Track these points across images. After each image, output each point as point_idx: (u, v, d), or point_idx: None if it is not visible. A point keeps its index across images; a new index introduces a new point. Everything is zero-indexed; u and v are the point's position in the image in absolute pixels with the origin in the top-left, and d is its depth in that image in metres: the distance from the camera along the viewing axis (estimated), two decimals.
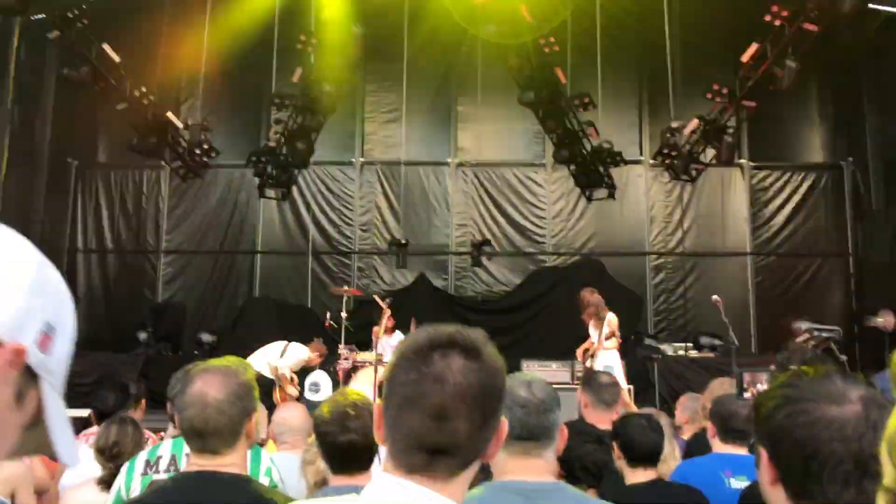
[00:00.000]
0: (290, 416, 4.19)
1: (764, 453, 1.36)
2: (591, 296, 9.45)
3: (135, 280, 14.75)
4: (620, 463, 3.10)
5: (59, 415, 0.94)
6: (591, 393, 4.10)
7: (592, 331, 9.28)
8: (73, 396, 4.88)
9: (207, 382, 2.27)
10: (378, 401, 1.29)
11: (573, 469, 2.83)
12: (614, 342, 9.05)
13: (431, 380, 1.20)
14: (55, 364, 0.93)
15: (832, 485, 1.25)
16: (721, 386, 4.49)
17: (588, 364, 8.96)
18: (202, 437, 2.25)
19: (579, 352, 9.39)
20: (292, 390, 9.29)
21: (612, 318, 9.15)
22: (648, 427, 3.13)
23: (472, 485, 2.12)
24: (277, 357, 9.41)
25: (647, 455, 3.09)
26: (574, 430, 2.90)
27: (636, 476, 3.08)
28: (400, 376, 1.23)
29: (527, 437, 2.03)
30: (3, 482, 3.89)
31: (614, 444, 3.08)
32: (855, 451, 1.24)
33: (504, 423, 1.29)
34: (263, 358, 9.27)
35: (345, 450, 2.59)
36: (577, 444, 2.82)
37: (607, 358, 8.98)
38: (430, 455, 1.20)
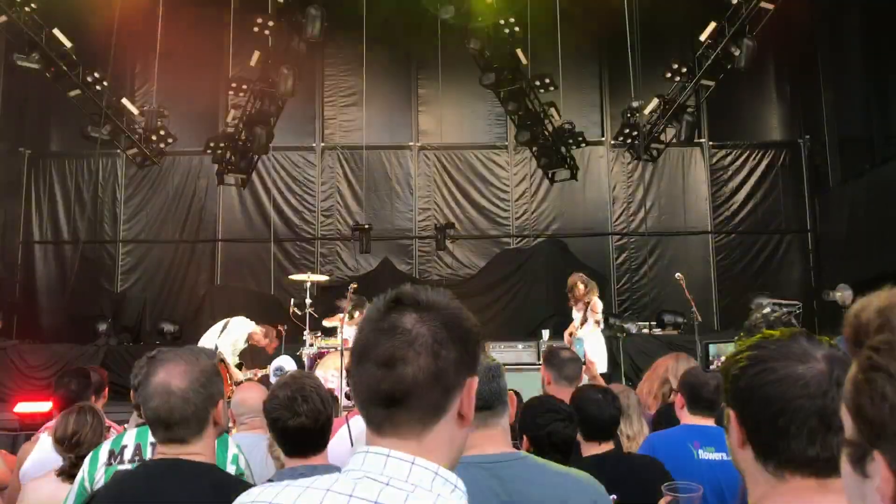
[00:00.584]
0: (249, 396, 4.16)
1: (733, 414, 1.37)
2: (581, 281, 9.42)
3: (93, 271, 14.46)
4: (580, 437, 3.10)
5: None
6: (552, 369, 4.12)
7: (576, 314, 9.23)
8: (34, 390, 4.82)
9: (170, 372, 2.22)
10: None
11: (542, 445, 2.83)
12: (595, 327, 9.04)
13: (381, 332, 1.23)
14: None
15: (798, 440, 1.27)
16: (673, 365, 4.51)
17: (574, 347, 8.96)
18: (168, 428, 2.21)
19: (566, 334, 9.36)
20: (238, 374, 8.97)
21: (597, 302, 9.16)
22: (603, 401, 3.14)
23: None
24: (216, 337, 9.03)
25: (602, 428, 3.11)
26: (544, 406, 2.89)
27: (591, 449, 3.09)
28: (358, 339, 1.27)
29: (482, 407, 2.01)
30: None
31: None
32: (819, 406, 1.27)
33: (472, 381, 1.28)
34: (207, 342, 8.88)
35: (295, 433, 2.60)
36: (548, 421, 2.82)
37: (593, 341, 8.96)
38: (386, 408, 1.21)
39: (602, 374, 8.61)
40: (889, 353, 0.77)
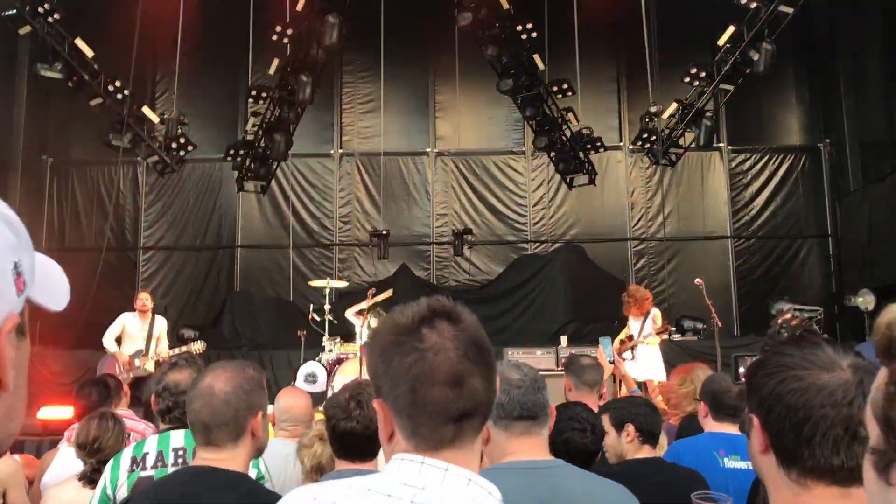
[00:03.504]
0: (295, 404, 4.13)
1: (756, 421, 1.37)
2: (638, 290, 9.37)
3: (115, 278, 14.56)
4: (629, 446, 3.11)
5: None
6: (573, 376, 4.12)
7: (633, 323, 9.13)
8: (56, 395, 4.85)
9: (217, 377, 2.31)
10: (377, 400, 1.29)
11: (558, 453, 2.83)
12: (657, 338, 8.97)
13: (433, 353, 1.22)
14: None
15: (822, 449, 1.28)
16: (687, 375, 4.48)
17: (628, 357, 8.90)
18: (207, 429, 2.27)
19: (616, 342, 9.25)
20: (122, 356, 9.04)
21: (657, 313, 9.10)
22: (650, 405, 3.22)
23: None
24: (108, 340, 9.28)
25: (656, 434, 3.17)
26: (565, 414, 2.90)
27: (643, 454, 3.13)
28: (395, 362, 1.23)
29: (527, 416, 2.10)
30: None
31: (629, 426, 3.10)
32: (845, 415, 1.27)
33: (498, 378, 1.31)
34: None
35: (344, 436, 2.62)
36: (566, 429, 2.83)
37: (650, 352, 8.88)
38: (456, 423, 1.22)
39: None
40: None
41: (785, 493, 1.34)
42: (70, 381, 10.04)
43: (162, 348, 9.25)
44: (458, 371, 1.21)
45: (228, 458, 2.26)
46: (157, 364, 8.81)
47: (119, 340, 9.36)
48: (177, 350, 9.03)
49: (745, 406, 1.44)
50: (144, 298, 9.50)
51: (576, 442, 2.81)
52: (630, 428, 3.08)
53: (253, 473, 3.26)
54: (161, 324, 9.50)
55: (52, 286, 0.90)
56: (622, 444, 3.12)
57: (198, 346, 9.01)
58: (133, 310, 9.49)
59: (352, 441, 2.62)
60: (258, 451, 2.41)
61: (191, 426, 2.34)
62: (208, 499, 2.18)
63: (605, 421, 3.17)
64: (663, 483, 2.85)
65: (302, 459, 3.19)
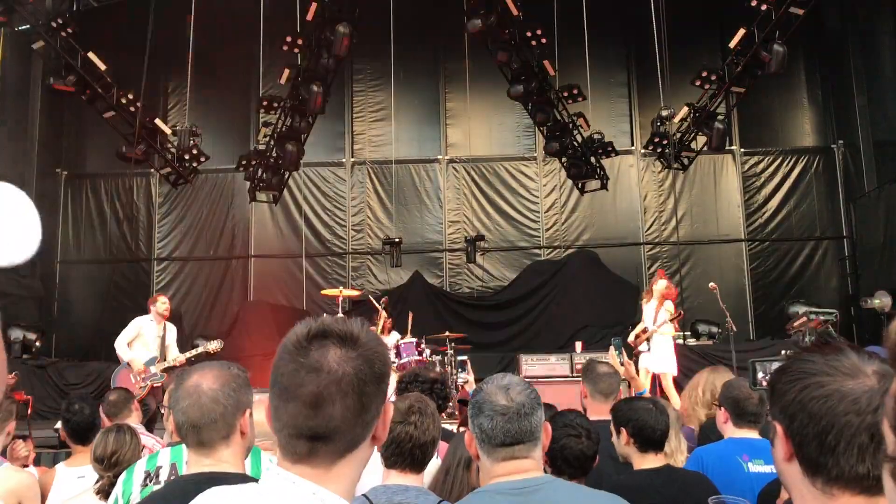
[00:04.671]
0: (260, 419, 4.10)
1: (780, 429, 1.35)
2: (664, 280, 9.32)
3: (129, 288, 14.66)
4: (629, 449, 3.07)
5: None
6: (589, 384, 4.10)
7: (648, 313, 9.14)
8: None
9: (202, 375, 2.29)
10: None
11: (555, 460, 2.83)
12: (672, 326, 8.96)
13: (306, 370, 1.26)
14: None
15: (847, 457, 1.25)
16: (711, 378, 4.43)
17: (644, 349, 8.90)
18: (197, 429, 2.24)
19: (632, 336, 9.24)
20: (137, 364, 8.64)
21: (670, 305, 9.07)
22: (656, 410, 3.10)
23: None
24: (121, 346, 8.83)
25: (658, 440, 3.07)
26: (560, 421, 2.88)
27: (646, 462, 3.05)
28: (280, 368, 1.29)
29: (510, 443, 2.05)
30: (10, 493, 3.82)
31: (623, 431, 3.05)
32: (869, 423, 1.24)
33: (388, 407, 1.35)
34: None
35: (400, 442, 2.63)
36: (561, 436, 2.81)
37: (664, 345, 8.91)
38: (310, 441, 1.26)
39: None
40: None
41: (811, 503, 1.31)
42: (86, 393, 10.09)
43: (173, 355, 8.97)
44: (320, 394, 1.24)
45: (223, 461, 2.24)
46: (171, 369, 8.60)
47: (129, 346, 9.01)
48: (193, 351, 8.87)
49: (766, 412, 1.42)
50: (166, 303, 9.09)
51: (571, 448, 2.81)
52: (624, 432, 3.05)
53: None
54: (173, 331, 9.21)
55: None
56: (621, 446, 3.10)
57: (214, 346, 8.88)
58: (146, 314, 9.12)
59: (407, 447, 2.62)
60: (247, 451, 2.40)
61: (179, 428, 2.32)
62: None
63: (612, 422, 3.14)
64: (672, 495, 2.81)
65: None
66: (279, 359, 1.30)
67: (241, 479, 2.25)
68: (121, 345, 8.79)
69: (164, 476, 3.02)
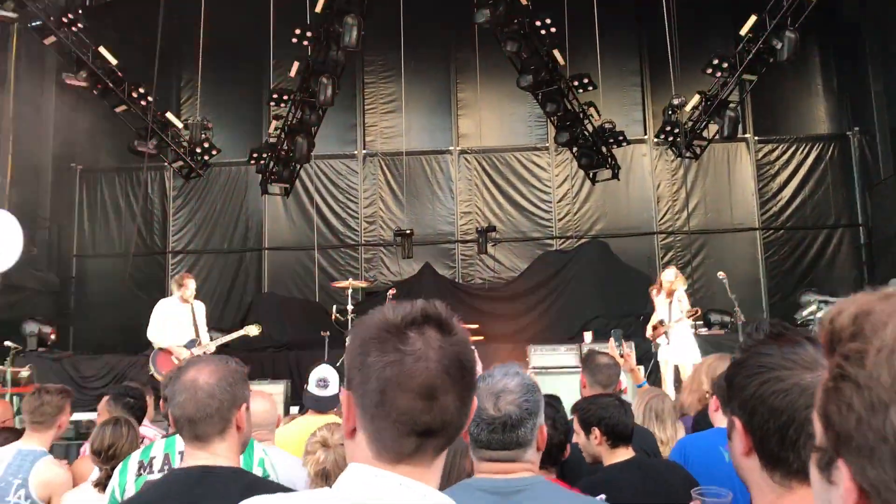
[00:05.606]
0: (258, 409, 4.13)
1: (738, 423, 1.34)
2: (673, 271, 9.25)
3: (145, 282, 14.78)
4: (600, 448, 3.05)
5: None
6: (588, 374, 4.10)
7: (662, 307, 9.03)
8: (86, 401, 4.88)
9: (199, 370, 2.31)
10: (344, 390, 1.22)
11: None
12: (688, 318, 8.88)
13: (413, 358, 1.14)
14: None
15: (808, 451, 1.24)
16: (713, 365, 4.42)
17: (663, 342, 8.84)
18: (193, 423, 2.26)
19: (649, 329, 9.16)
20: (181, 352, 8.36)
21: (683, 294, 9.00)
22: (622, 406, 3.09)
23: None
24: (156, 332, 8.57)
25: (630, 435, 3.06)
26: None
27: (617, 456, 3.04)
28: (375, 358, 1.16)
29: (496, 448, 1.99)
30: (43, 485, 3.90)
31: (595, 430, 3.03)
32: None
33: (476, 402, 1.24)
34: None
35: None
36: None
37: (684, 334, 8.84)
38: (420, 438, 1.16)
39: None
40: (859, 362, 0.74)
41: (768, 496, 1.32)
42: (101, 386, 10.21)
43: (205, 334, 8.76)
44: (434, 384, 1.14)
45: (219, 455, 2.26)
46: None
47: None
48: (234, 334, 8.83)
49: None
50: (192, 285, 8.77)
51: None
52: (597, 431, 3.03)
53: (258, 472, 3.31)
54: (202, 309, 8.91)
55: None
56: (592, 446, 3.07)
57: (254, 330, 8.81)
58: (168, 296, 8.88)
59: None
60: (243, 445, 2.42)
61: (175, 422, 2.35)
62: (213, 497, 2.19)
63: (575, 422, 3.09)
64: (646, 486, 2.81)
65: (306, 465, 3.19)
66: (371, 347, 1.17)
67: (234, 472, 2.28)
68: (154, 334, 8.53)
69: (157, 466, 3.06)
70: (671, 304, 8.92)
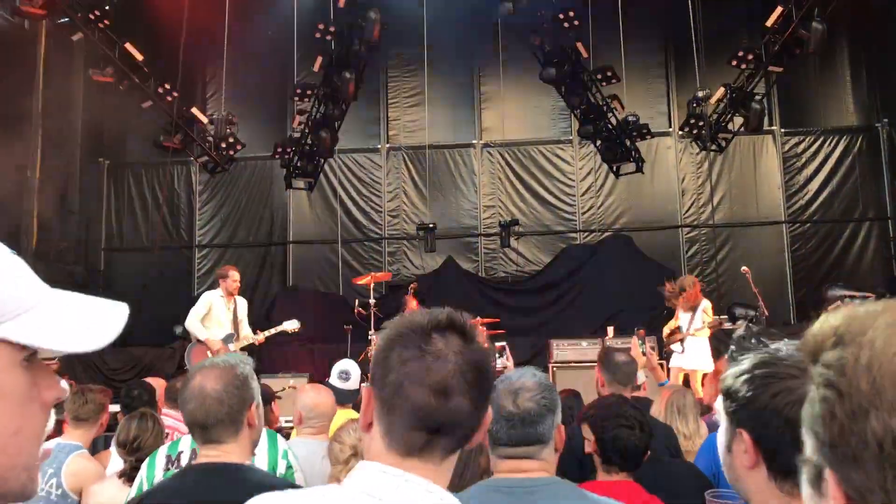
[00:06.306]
0: (322, 402, 4.16)
1: (747, 436, 1.32)
2: (689, 283, 9.11)
3: (171, 275, 14.94)
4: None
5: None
6: (606, 372, 4.10)
7: (683, 315, 8.93)
8: (114, 392, 4.87)
9: (206, 376, 2.36)
10: (366, 386, 1.31)
11: (605, 451, 2.81)
12: (708, 330, 8.79)
13: (433, 357, 1.22)
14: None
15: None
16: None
17: (677, 349, 8.76)
18: (205, 429, 2.33)
19: (666, 331, 9.06)
20: (214, 344, 8.28)
21: (708, 306, 8.89)
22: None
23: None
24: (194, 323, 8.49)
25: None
26: (612, 412, 2.86)
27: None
28: (397, 355, 1.24)
29: (515, 445, 2.02)
30: (74, 475, 4.01)
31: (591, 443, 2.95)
32: None
33: (489, 412, 1.30)
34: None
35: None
36: (613, 426, 2.80)
37: (698, 343, 8.72)
38: (429, 434, 1.22)
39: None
40: (840, 372, 0.76)
41: None
42: (127, 378, 10.35)
43: (246, 331, 8.67)
44: (449, 383, 1.21)
45: (230, 453, 2.31)
46: (249, 347, 8.34)
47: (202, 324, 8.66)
48: (272, 330, 8.67)
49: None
50: (237, 278, 8.65)
51: (622, 439, 2.76)
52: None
53: (283, 465, 3.37)
54: (244, 305, 8.82)
55: (70, 326, 0.91)
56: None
57: (292, 326, 8.72)
58: (215, 288, 8.78)
59: None
60: (256, 441, 2.47)
61: (189, 428, 2.41)
62: (219, 496, 2.24)
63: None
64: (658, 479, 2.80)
65: (333, 452, 3.23)
66: (394, 344, 1.26)
67: (245, 470, 2.34)
68: (193, 323, 8.47)
69: (184, 461, 3.14)
70: (694, 314, 8.79)
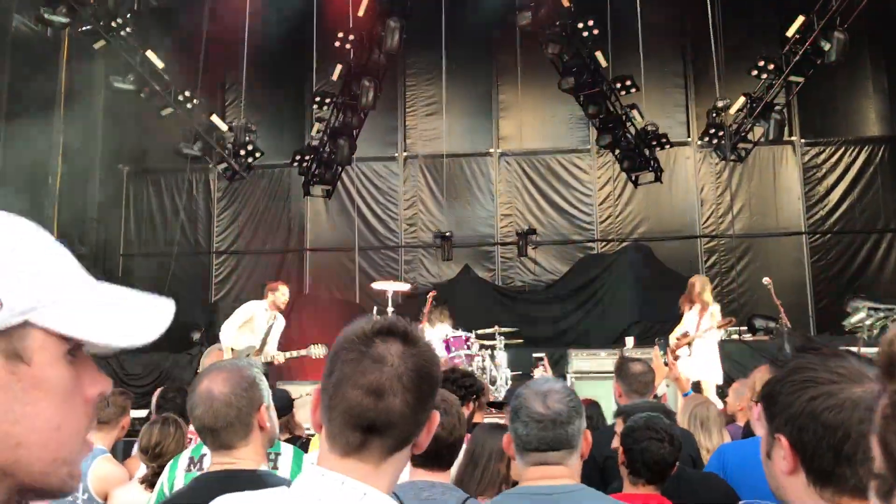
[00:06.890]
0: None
1: (785, 441, 1.30)
2: (702, 282, 8.95)
3: (189, 281, 15.00)
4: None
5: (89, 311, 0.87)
6: (623, 383, 4.05)
7: (691, 317, 8.68)
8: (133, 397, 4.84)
9: (213, 380, 2.33)
10: (316, 388, 1.35)
11: (634, 463, 2.79)
12: (716, 330, 8.55)
13: (371, 360, 1.27)
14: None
15: (865, 466, 1.21)
16: (763, 375, 4.36)
17: (684, 353, 8.54)
18: (215, 433, 2.30)
19: (672, 339, 8.80)
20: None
21: (716, 309, 8.65)
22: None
23: None
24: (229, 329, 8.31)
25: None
26: (645, 424, 2.84)
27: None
28: (341, 357, 1.30)
29: (545, 448, 2.03)
30: (100, 479, 3.98)
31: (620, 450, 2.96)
32: None
33: (435, 416, 1.35)
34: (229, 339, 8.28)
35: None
36: (643, 438, 2.77)
37: (707, 350, 8.48)
38: (364, 433, 1.26)
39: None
40: None
41: None
42: (146, 384, 10.40)
43: (272, 349, 8.41)
44: (383, 385, 1.26)
45: (242, 458, 2.28)
46: (268, 365, 8.16)
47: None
48: (294, 353, 8.42)
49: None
50: (286, 294, 8.47)
51: (652, 452, 2.75)
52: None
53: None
54: (281, 324, 8.57)
55: (115, 319, 0.89)
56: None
57: (319, 351, 8.39)
58: (262, 299, 8.55)
59: (433, 447, 2.62)
60: (270, 443, 2.44)
61: (199, 434, 2.38)
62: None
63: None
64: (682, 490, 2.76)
65: None
66: (340, 348, 1.31)
67: (257, 475, 2.31)
68: (228, 328, 8.30)
69: (206, 463, 3.12)
70: (702, 316, 8.55)
